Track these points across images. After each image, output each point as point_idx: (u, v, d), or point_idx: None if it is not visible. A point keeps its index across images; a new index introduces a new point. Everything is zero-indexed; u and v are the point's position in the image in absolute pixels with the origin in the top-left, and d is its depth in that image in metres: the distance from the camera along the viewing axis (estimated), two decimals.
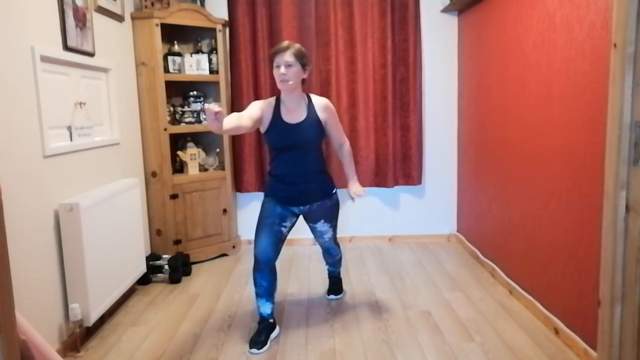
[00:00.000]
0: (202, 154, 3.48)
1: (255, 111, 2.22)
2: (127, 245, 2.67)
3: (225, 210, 3.53)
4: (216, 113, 1.76)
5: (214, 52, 3.43)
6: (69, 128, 2.37)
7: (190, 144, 3.45)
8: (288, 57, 2.17)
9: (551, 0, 2.24)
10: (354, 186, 2.46)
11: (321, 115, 2.30)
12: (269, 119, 2.27)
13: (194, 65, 3.34)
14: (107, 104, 2.78)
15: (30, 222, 1.99)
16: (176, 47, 3.35)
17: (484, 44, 3.10)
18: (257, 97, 3.58)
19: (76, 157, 2.38)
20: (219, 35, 3.39)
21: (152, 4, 3.20)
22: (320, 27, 3.56)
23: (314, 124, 2.28)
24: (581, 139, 2.01)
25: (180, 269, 3.09)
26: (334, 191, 2.43)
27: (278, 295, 2.79)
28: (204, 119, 2.03)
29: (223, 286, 3.00)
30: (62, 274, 2.21)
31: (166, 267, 3.09)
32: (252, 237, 3.76)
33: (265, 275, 2.24)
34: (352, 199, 2.49)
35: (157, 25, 3.11)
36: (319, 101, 2.33)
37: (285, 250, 3.65)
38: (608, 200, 1.67)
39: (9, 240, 1.82)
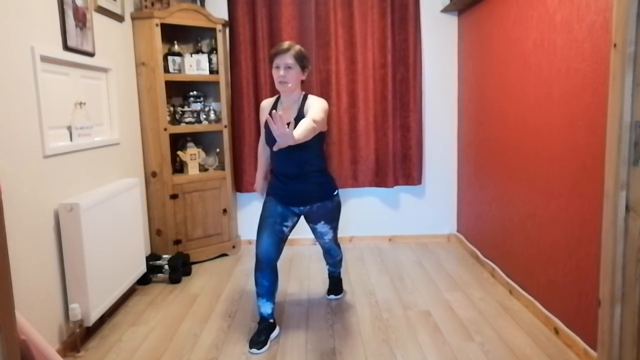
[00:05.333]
0: (202, 154, 3.48)
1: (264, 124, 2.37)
2: (127, 245, 2.67)
3: (225, 210, 3.53)
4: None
5: (214, 52, 3.43)
6: (69, 128, 2.37)
7: (190, 144, 3.45)
8: (288, 59, 2.17)
9: (551, 0, 2.24)
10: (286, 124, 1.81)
11: (307, 112, 2.22)
12: (264, 119, 2.30)
13: (194, 65, 3.34)
14: (107, 104, 2.78)
15: (30, 222, 1.99)
16: (176, 47, 3.35)
17: (484, 44, 3.10)
18: (257, 97, 3.58)
19: (76, 157, 2.38)
20: (219, 35, 3.39)
21: (152, 4, 3.20)
22: (320, 27, 3.56)
23: None
24: (581, 139, 2.01)
25: (180, 269, 3.09)
26: (335, 193, 2.42)
27: (278, 295, 2.79)
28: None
29: (223, 286, 3.00)
30: (62, 274, 2.21)
31: (166, 267, 3.09)
32: (252, 237, 3.77)
33: (266, 275, 2.24)
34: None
35: (157, 25, 3.11)
36: (311, 100, 2.27)
37: (285, 250, 3.64)
38: (608, 200, 1.67)
39: (9, 240, 1.82)
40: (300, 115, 2.25)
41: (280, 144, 1.80)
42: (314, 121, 2.05)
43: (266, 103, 2.41)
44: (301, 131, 1.93)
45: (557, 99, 2.20)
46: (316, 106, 2.19)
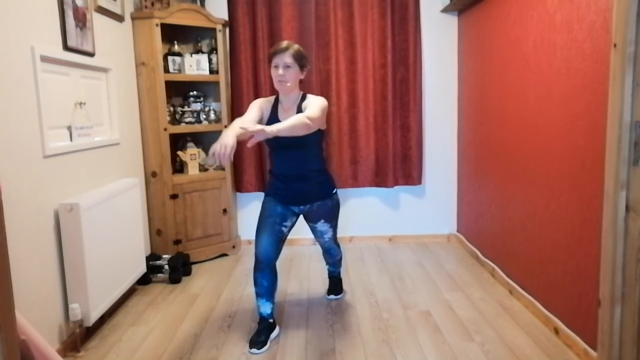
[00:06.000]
0: (202, 154, 3.48)
1: (255, 112, 2.24)
2: (127, 245, 2.67)
3: (225, 210, 3.53)
4: (224, 153, 1.79)
5: (214, 52, 3.43)
6: (69, 128, 2.37)
7: (190, 144, 3.45)
8: (287, 58, 2.17)
9: (551, 1, 2.24)
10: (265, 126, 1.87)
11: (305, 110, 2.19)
12: (266, 118, 2.30)
13: (194, 65, 3.34)
14: (107, 104, 2.78)
15: (30, 222, 1.99)
16: (176, 47, 3.35)
17: (484, 44, 3.10)
18: (257, 97, 3.57)
19: (76, 157, 2.38)
20: (219, 35, 3.39)
21: (152, 4, 3.20)
22: (320, 27, 3.56)
23: None
24: (581, 139, 2.01)
25: (180, 269, 3.09)
26: (334, 191, 2.42)
27: (278, 295, 2.79)
28: (213, 158, 2.06)
29: (223, 286, 3.00)
30: (62, 274, 2.21)
31: (166, 267, 3.09)
32: (252, 237, 3.76)
33: (266, 275, 2.24)
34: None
35: (157, 25, 3.11)
36: (310, 99, 2.25)
37: (285, 250, 3.65)
38: (608, 200, 1.67)
39: (9, 240, 1.82)
40: None
41: (258, 137, 1.83)
42: (309, 118, 2.01)
43: (264, 101, 2.35)
44: (287, 125, 1.89)
45: (557, 99, 2.20)
46: (314, 104, 2.17)
